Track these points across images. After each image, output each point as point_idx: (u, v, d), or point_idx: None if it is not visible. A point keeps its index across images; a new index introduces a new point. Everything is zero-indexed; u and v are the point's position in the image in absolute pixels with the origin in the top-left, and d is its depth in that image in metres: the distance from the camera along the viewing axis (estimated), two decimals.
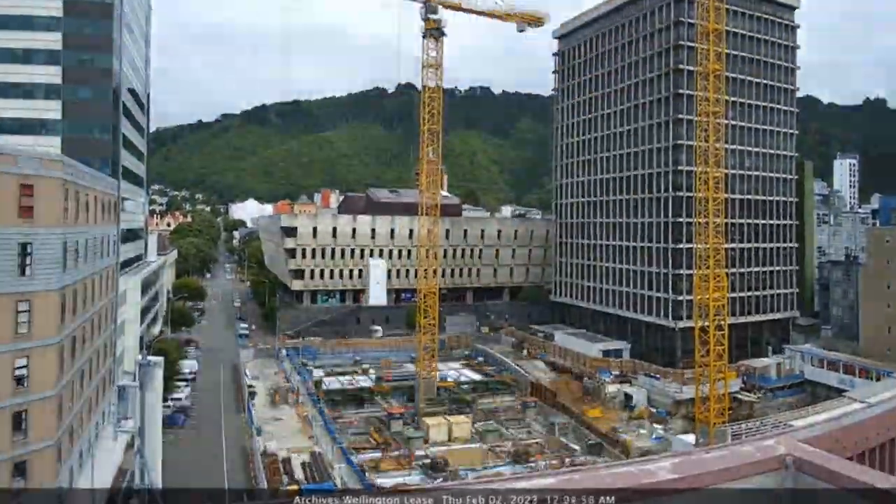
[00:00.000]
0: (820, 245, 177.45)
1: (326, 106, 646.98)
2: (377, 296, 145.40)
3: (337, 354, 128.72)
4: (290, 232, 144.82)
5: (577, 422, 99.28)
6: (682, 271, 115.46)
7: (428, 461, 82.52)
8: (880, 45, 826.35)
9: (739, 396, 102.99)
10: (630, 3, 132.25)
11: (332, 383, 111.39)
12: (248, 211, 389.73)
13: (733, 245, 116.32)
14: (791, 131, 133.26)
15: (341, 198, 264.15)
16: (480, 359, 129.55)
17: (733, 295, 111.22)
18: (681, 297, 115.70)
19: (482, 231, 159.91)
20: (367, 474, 76.32)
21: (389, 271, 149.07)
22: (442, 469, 79.61)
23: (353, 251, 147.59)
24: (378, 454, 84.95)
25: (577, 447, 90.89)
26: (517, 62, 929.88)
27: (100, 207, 64.16)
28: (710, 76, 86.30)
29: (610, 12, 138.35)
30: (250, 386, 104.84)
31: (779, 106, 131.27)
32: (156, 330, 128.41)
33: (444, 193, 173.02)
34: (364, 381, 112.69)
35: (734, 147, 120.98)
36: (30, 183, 46.87)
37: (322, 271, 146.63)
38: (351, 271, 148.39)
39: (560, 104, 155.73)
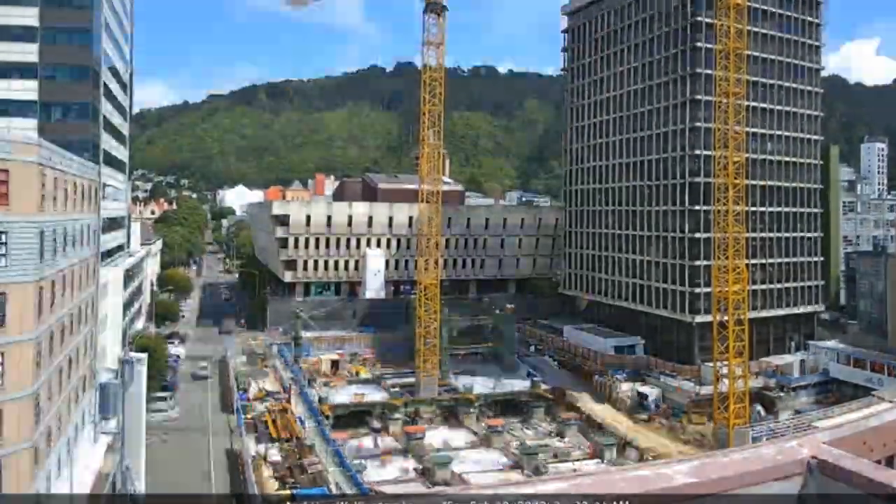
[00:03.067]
0: (846, 234, 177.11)
1: (320, 85, 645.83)
2: (374, 288, 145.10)
3: (331, 349, 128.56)
4: (282, 220, 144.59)
5: (587, 422, 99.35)
6: (699, 262, 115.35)
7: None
8: None
9: (762, 395, 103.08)
10: None
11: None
12: (236, 198, 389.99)
13: (754, 234, 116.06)
14: (815, 113, 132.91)
15: (336, 184, 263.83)
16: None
17: (754, 287, 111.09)
18: (698, 290, 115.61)
19: (486, 219, 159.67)
20: (362, 477, 76.36)
21: (388, 262, 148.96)
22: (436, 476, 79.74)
23: (348, 240, 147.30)
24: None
25: (587, 448, 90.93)
26: (523, 40, 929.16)
27: (79, 194, 64.14)
28: (731, 54, 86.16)
29: None
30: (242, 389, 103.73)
31: (802, 86, 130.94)
32: (139, 325, 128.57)
33: (446, 179, 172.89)
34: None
35: (755, 130, 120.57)
36: (4, 168, 46.85)
37: (316, 262, 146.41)
38: (346, 262, 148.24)
39: (570, 84, 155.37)
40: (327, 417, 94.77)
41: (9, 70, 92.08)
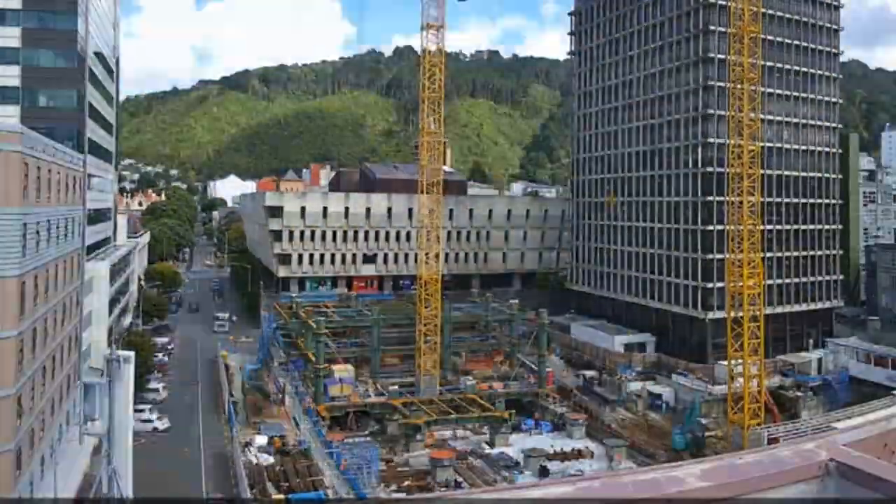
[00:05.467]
0: (866, 227, 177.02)
1: (316, 71, 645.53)
2: None
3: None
4: (276, 212, 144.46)
5: (595, 423, 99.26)
6: (712, 256, 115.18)
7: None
8: None
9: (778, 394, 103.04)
10: None
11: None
12: (228, 189, 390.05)
13: (770, 227, 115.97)
14: (834, 100, 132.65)
15: (333, 174, 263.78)
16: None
17: (770, 282, 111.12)
18: (711, 285, 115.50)
19: (490, 211, 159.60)
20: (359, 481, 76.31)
21: (386, 256, 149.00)
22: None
23: (345, 233, 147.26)
24: None
25: (597, 451, 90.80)
26: (529, 22, 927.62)
27: (64, 185, 64.14)
28: (745, 38, 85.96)
29: None
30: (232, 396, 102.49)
31: (820, 72, 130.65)
32: (126, 321, 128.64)
33: (448, 169, 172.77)
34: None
35: (770, 117, 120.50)
36: None
37: (311, 256, 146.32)
38: (343, 256, 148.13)
39: (577, 70, 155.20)
40: (323, 418, 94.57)
41: None
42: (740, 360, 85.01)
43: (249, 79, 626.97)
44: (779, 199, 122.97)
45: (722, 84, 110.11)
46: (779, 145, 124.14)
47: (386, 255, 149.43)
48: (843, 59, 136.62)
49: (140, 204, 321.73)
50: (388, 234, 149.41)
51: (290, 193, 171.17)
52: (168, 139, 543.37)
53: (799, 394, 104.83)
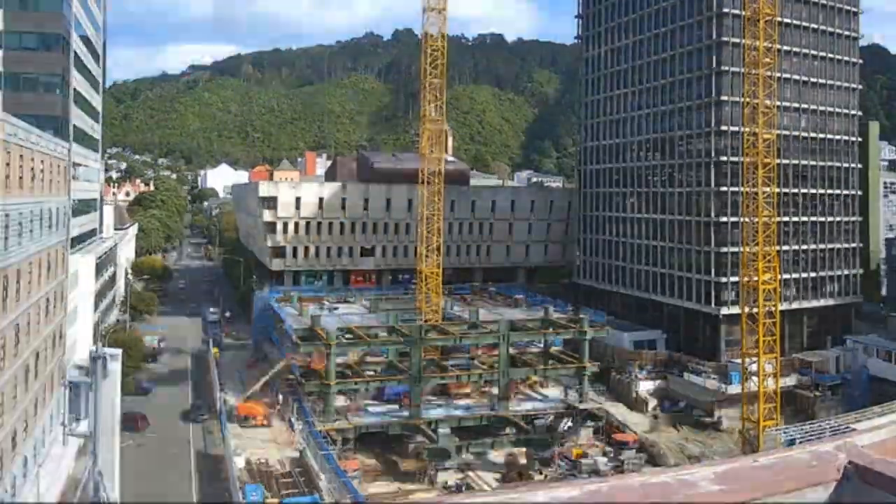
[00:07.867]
0: (887, 219, 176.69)
1: (312, 55, 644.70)
2: None
3: None
4: (269, 203, 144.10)
5: (604, 423, 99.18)
6: (726, 249, 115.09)
7: None
8: None
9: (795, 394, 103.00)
10: None
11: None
12: (220, 178, 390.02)
13: (786, 218, 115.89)
14: (854, 86, 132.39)
15: (329, 163, 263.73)
16: None
17: (786, 277, 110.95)
18: (725, 280, 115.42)
19: (493, 202, 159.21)
20: (357, 484, 76.33)
21: (384, 249, 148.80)
22: None
23: (342, 225, 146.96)
24: None
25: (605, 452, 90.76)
26: (533, 5, 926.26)
27: (47, 174, 64.07)
28: (760, 21, 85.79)
29: None
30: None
31: (839, 56, 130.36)
32: (112, 317, 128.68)
33: (450, 158, 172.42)
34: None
35: (787, 104, 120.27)
36: None
37: (306, 248, 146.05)
38: (340, 249, 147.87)
39: (584, 54, 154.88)
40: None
41: None
42: (755, 358, 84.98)
43: (241, 64, 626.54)
44: (795, 190, 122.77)
45: (736, 69, 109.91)
46: (795, 133, 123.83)
47: (385, 248, 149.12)
48: (862, 43, 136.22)
49: (127, 194, 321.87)
50: (386, 225, 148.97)
51: (284, 183, 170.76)
52: (156, 127, 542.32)
53: (816, 393, 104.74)
